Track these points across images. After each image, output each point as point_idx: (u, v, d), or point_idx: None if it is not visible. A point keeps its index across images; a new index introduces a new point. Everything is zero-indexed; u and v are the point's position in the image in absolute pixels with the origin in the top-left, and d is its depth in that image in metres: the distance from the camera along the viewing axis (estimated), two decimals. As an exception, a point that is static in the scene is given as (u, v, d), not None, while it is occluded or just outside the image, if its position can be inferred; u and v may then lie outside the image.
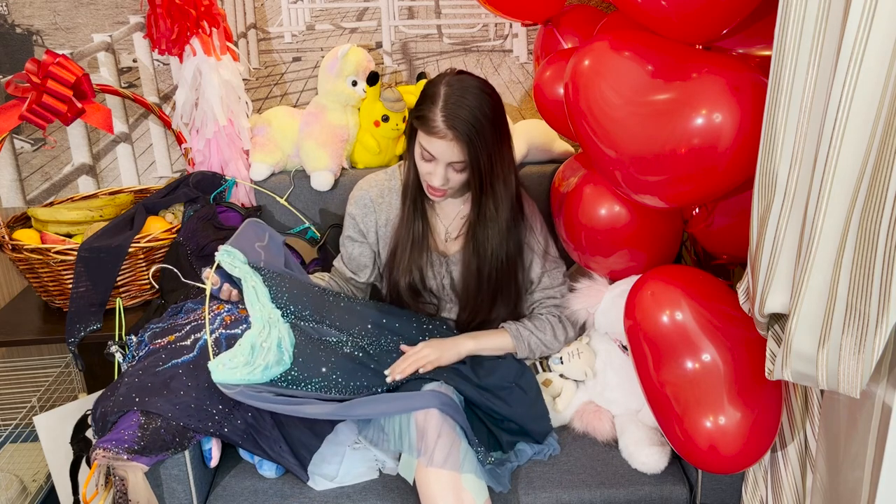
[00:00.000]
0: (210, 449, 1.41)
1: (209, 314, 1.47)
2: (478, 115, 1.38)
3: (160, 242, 1.70)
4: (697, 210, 1.45)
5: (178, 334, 1.43)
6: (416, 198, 1.55)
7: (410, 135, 1.49)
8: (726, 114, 1.10)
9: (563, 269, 1.64)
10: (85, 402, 1.75)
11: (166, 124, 1.92)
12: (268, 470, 1.45)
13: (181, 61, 1.82)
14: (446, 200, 1.58)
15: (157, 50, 1.81)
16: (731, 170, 1.15)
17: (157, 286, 1.68)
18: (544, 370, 1.58)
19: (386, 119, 1.88)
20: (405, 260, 1.56)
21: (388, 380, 1.42)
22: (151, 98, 2.05)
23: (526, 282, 1.60)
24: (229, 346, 1.39)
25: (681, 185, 1.20)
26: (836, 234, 0.86)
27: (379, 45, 2.08)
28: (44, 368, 2.13)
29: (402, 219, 1.57)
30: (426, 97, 1.42)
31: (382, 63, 2.08)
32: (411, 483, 1.36)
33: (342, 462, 1.45)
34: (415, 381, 1.44)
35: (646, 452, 1.45)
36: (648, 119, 1.17)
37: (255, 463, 1.46)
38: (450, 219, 1.60)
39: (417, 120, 1.42)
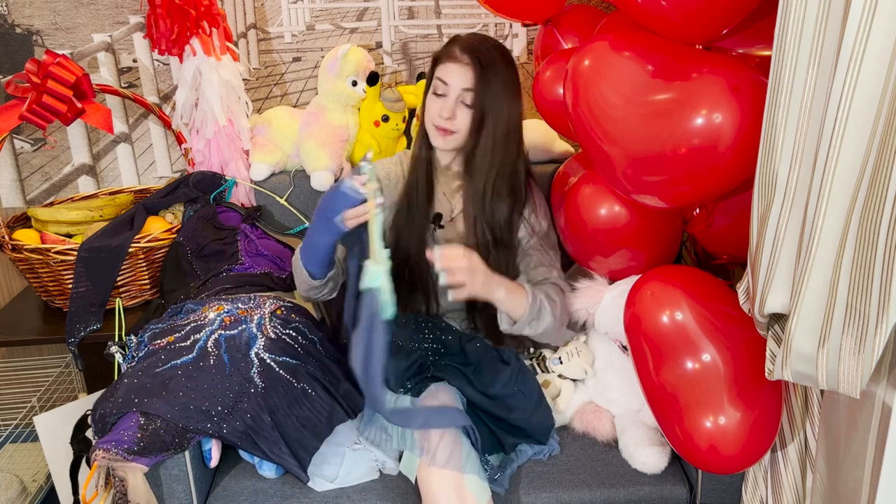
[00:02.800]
0: (210, 449, 1.41)
1: (212, 314, 1.47)
2: (494, 52, 1.46)
3: (160, 242, 1.70)
4: (698, 210, 1.45)
5: (177, 335, 1.43)
6: (427, 164, 1.55)
7: (427, 84, 1.52)
8: (726, 114, 1.10)
9: (559, 258, 1.59)
10: (85, 402, 1.75)
11: (166, 124, 1.92)
12: (268, 470, 1.45)
13: (181, 61, 1.82)
14: (450, 168, 1.57)
15: (157, 50, 1.81)
16: (731, 170, 1.15)
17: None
18: (543, 371, 1.58)
19: (386, 119, 1.88)
20: (408, 227, 1.54)
21: (436, 264, 1.31)
22: (151, 98, 2.05)
23: (524, 263, 1.55)
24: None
25: (681, 185, 1.20)
26: (836, 234, 0.86)
27: (379, 45, 2.08)
28: (44, 368, 2.13)
29: (411, 183, 1.55)
30: (447, 43, 1.51)
31: (382, 63, 2.08)
32: (413, 482, 1.37)
33: (342, 463, 1.45)
34: (422, 380, 1.43)
35: (646, 452, 1.45)
36: (648, 119, 1.17)
37: (255, 463, 1.46)
38: (452, 195, 1.59)
39: (437, 55, 1.50)
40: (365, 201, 1.32)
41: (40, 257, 1.62)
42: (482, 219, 1.50)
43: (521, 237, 1.55)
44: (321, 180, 1.88)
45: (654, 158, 1.18)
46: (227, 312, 1.47)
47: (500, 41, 1.53)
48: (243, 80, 1.96)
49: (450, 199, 1.59)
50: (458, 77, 1.44)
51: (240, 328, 1.43)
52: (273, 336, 1.44)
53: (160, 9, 1.75)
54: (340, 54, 1.85)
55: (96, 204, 1.80)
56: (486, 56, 1.44)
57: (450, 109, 1.45)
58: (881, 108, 0.79)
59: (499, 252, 1.51)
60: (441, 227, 1.57)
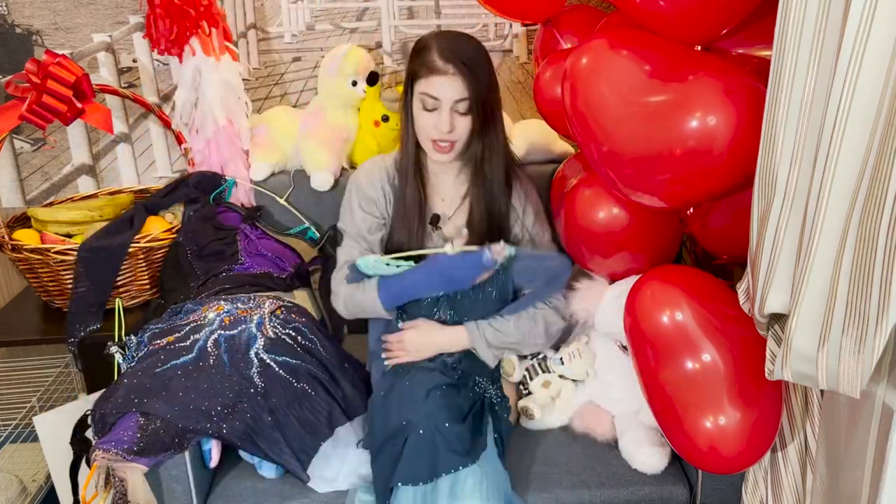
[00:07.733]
0: (210, 449, 1.41)
1: (212, 314, 1.47)
2: (472, 51, 1.44)
3: (160, 242, 1.70)
4: (692, 209, 1.45)
5: (177, 335, 1.43)
6: (415, 170, 1.54)
7: (406, 93, 1.48)
8: (721, 117, 1.10)
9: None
10: (85, 402, 1.75)
11: (166, 124, 1.92)
12: (268, 470, 1.45)
13: (181, 61, 1.81)
14: (444, 171, 1.57)
15: (156, 50, 1.81)
16: (726, 172, 1.15)
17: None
18: (544, 371, 1.58)
19: (386, 119, 1.88)
20: (407, 235, 1.54)
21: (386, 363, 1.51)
22: (151, 98, 2.05)
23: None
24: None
25: (677, 186, 1.20)
26: (836, 234, 0.86)
27: (379, 45, 2.08)
28: (44, 368, 2.13)
29: (402, 192, 1.55)
30: (419, 50, 1.46)
31: (382, 63, 2.08)
32: None
33: (342, 464, 1.45)
34: None
35: (646, 452, 1.44)
36: (645, 119, 1.17)
37: (255, 463, 1.46)
38: (449, 196, 1.59)
39: (416, 68, 1.44)
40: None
41: (40, 257, 1.62)
42: (490, 212, 1.54)
43: (514, 233, 1.56)
44: (321, 180, 1.88)
45: (651, 158, 1.18)
46: (226, 312, 1.47)
47: (475, 38, 1.50)
48: (243, 80, 1.96)
49: (443, 197, 1.59)
50: (448, 89, 1.42)
51: (239, 328, 1.43)
52: (273, 336, 1.44)
53: (160, 9, 1.75)
54: (340, 54, 1.85)
55: (96, 204, 1.80)
56: (468, 58, 1.42)
57: (447, 122, 1.43)
58: (881, 108, 0.79)
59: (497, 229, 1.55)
60: (439, 227, 1.57)
